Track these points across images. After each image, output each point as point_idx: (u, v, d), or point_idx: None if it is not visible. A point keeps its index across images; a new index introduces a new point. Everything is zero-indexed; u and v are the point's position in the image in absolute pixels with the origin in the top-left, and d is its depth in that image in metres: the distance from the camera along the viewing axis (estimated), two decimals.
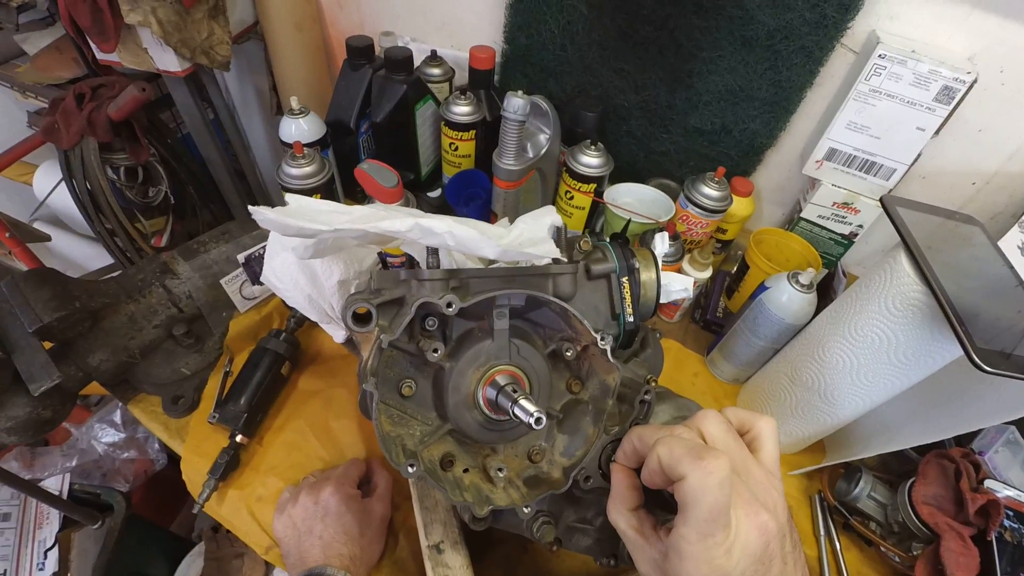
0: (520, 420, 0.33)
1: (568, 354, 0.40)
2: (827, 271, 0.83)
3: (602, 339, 0.38)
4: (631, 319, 0.42)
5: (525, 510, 0.38)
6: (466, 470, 0.41)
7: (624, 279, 0.42)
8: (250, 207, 0.36)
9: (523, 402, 0.34)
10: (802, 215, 0.79)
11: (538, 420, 0.32)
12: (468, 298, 0.36)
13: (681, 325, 0.83)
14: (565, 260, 0.41)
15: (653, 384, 0.44)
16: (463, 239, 0.33)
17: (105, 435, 1.09)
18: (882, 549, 0.63)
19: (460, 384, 0.38)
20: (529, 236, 0.38)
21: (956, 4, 0.65)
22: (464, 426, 0.39)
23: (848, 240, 0.79)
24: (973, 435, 0.71)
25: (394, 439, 0.38)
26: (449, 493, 0.37)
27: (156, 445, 1.12)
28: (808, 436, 0.67)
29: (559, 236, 0.41)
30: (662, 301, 0.45)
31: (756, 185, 0.86)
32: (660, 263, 0.45)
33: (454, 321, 0.39)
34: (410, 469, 0.35)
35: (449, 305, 0.35)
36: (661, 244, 0.46)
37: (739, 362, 0.73)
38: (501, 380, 0.38)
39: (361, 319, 0.37)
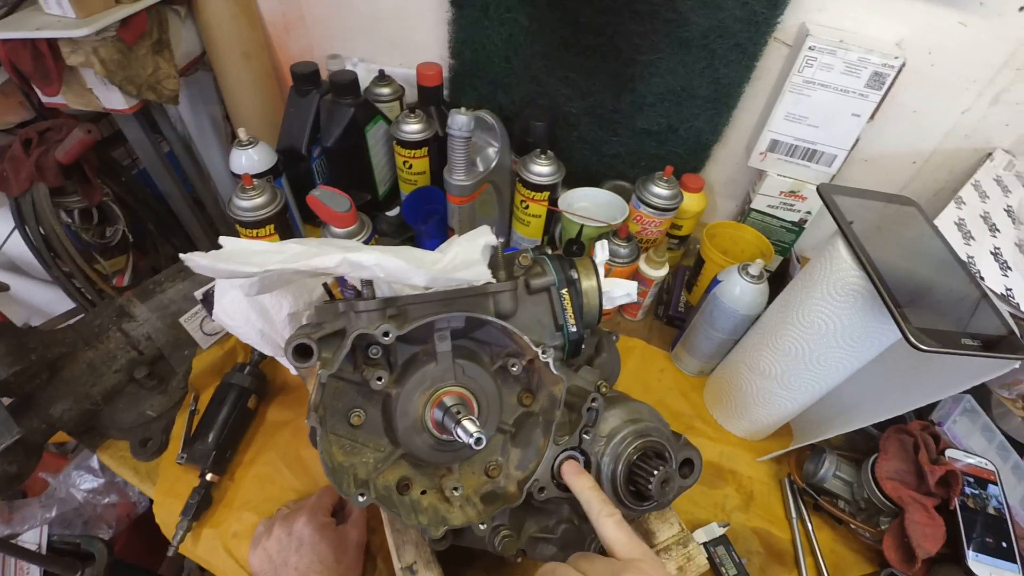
0: (462, 440, 0.34)
1: (514, 369, 0.41)
2: (783, 258, 0.85)
3: (543, 352, 0.39)
4: (574, 329, 0.43)
5: (481, 527, 0.38)
6: (424, 492, 0.41)
7: (564, 291, 0.43)
8: (181, 255, 0.36)
9: (465, 423, 0.34)
10: (752, 206, 0.81)
11: (477, 440, 0.33)
12: (406, 325, 0.37)
13: (645, 323, 0.84)
14: (502, 278, 0.41)
15: (604, 390, 0.45)
16: (391, 270, 0.34)
17: (83, 482, 1.07)
18: (852, 527, 0.64)
19: (408, 409, 0.39)
20: (463, 259, 0.38)
21: None
22: (415, 450, 0.39)
23: (799, 227, 0.81)
24: (932, 407, 0.73)
25: (346, 469, 0.38)
26: (404, 517, 0.37)
27: (137, 488, 1.10)
28: (772, 423, 0.69)
29: (495, 255, 0.42)
30: (607, 307, 0.46)
31: (707, 180, 0.88)
32: (601, 271, 0.46)
33: (398, 347, 0.40)
34: (360, 499, 0.35)
35: (386, 334, 0.36)
36: (601, 252, 0.47)
37: (702, 355, 0.74)
38: (448, 401, 0.38)
39: (302, 354, 0.37)
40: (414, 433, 0.39)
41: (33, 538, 0.89)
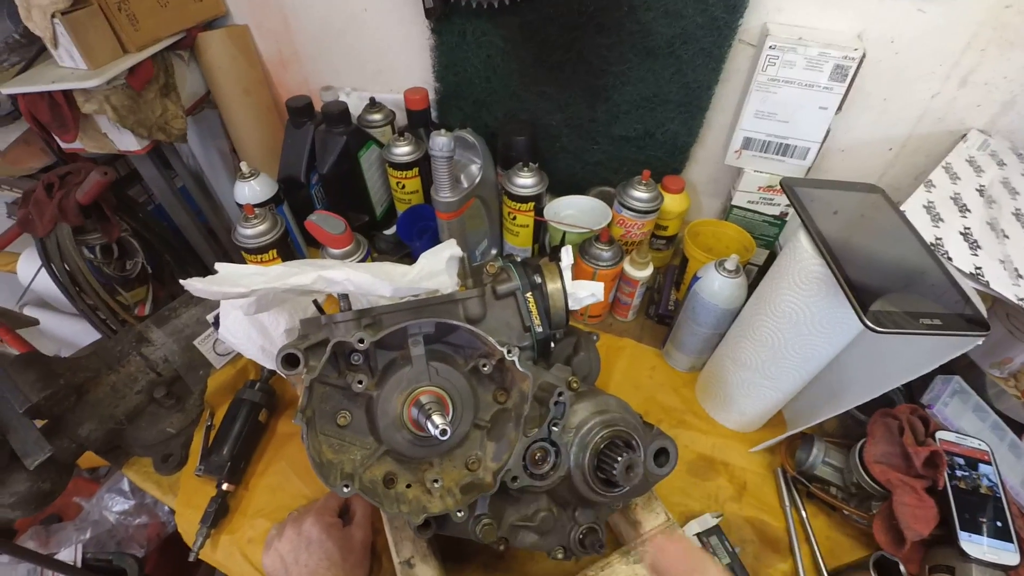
0: (430, 432, 0.37)
1: (485, 369, 0.44)
2: (769, 252, 0.87)
3: (508, 352, 0.42)
4: (540, 329, 0.46)
5: (458, 514, 0.42)
6: (409, 485, 0.45)
7: (528, 294, 0.46)
8: (181, 280, 0.41)
9: (434, 416, 0.38)
10: (733, 203, 0.83)
11: (443, 432, 0.36)
12: (380, 332, 0.40)
13: (637, 323, 0.87)
14: (470, 286, 0.45)
15: (575, 386, 0.48)
16: (360, 283, 0.37)
17: (115, 504, 1.12)
18: (845, 513, 0.65)
19: (387, 408, 0.42)
20: (428, 271, 0.42)
21: None
22: (396, 445, 0.43)
23: (780, 220, 0.83)
24: (922, 391, 0.73)
25: (334, 465, 0.42)
26: (387, 507, 0.41)
27: (166, 508, 1.15)
28: (760, 413, 0.70)
29: (462, 266, 0.45)
30: (573, 307, 0.49)
31: (689, 180, 0.90)
32: (567, 274, 0.49)
33: (376, 353, 0.43)
34: (345, 489, 0.39)
35: (361, 341, 0.39)
36: (567, 257, 0.50)
37: (690, 351, 0.76)
38: (424, 400, 0.42)
39: (290, 363, 0.41)
40: (394, 430, 0.42)
41: (67, 556, 0.95)
